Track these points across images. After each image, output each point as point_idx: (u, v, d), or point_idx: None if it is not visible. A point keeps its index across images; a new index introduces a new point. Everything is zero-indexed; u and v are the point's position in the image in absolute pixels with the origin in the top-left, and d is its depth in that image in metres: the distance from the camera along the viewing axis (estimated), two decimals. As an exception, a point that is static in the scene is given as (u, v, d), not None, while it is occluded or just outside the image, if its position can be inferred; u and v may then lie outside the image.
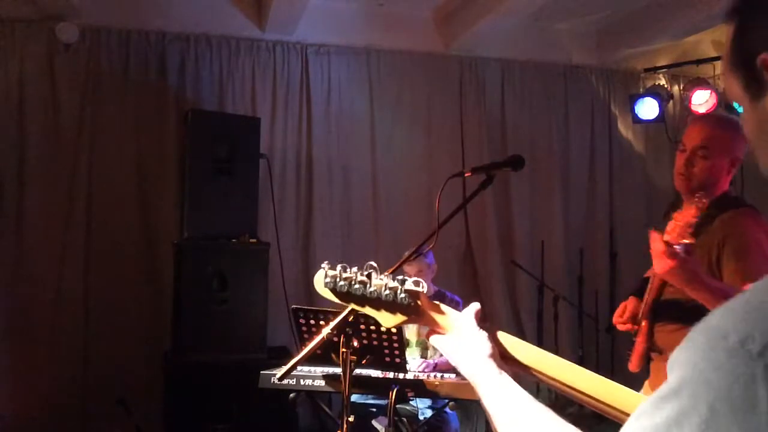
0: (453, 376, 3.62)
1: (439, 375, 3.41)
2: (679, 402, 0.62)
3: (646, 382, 2.45)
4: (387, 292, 1.17)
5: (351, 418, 2.32)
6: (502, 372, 1.10)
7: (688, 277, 1.95)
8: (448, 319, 1.19)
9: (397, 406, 3.56)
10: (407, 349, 3.72)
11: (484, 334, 1.15)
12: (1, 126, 4.69)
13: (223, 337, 4.27)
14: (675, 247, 1.91)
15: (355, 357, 2.28)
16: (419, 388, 3.20)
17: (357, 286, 1.18)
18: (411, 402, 3.82)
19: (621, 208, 6.07)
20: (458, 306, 4.11)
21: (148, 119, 4.97)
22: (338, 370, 2.34)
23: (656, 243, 1.95)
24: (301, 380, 3.28)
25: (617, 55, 5.93)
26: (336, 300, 1.21)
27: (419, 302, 1.18)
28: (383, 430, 3.55)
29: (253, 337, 4.38)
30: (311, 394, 3.57)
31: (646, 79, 6.07)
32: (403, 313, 1.19)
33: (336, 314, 1.98)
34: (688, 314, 1.92)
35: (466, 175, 2.19)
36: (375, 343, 3.13)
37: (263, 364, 3.68)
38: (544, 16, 5.55)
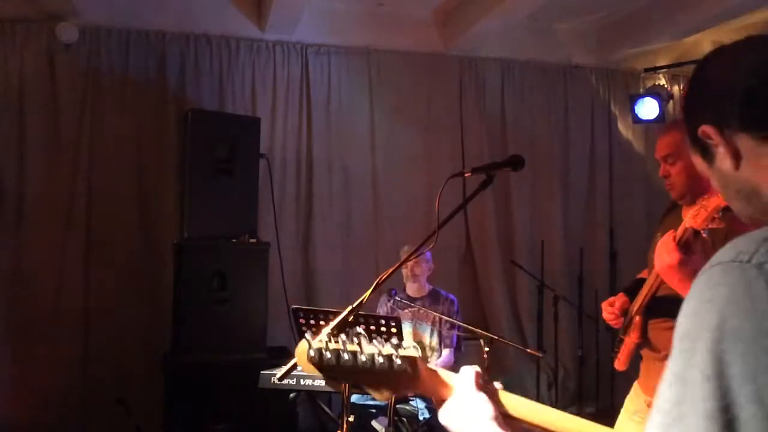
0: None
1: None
2: (691, 336, 0.68)
3: (636, 383, 2.45)
4: (380, 360, 1.03)
5: (351, 418, 2.32)
6: None
7: (686, 277, 1.94)
8: (446, 384, 1.10)
9: (397, 406, 3.56)
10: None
11: (483, 397, 1.08)
12: (1, 126, 4.69)
13: (223, 337, 4.26)
14: (702, 233, 1.92)
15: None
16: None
17: (346, 357, 1.04)
18: (411, 402, 3.82)
19: (621, 208, 6.07)
20: (453, 305, 4.12)
21: (148, 119, 4.97)
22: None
23: (667, 237, 1.96)
24: (301, 380, 3.29)
25: (617, 55, 5.93)
26: (322, 376, 1.07)
27: (417, 368, 1.05)
28: (383, 430, 3.55)
29: (253, 337, 4.38)
30: (311, 394, 3.58)
31: (646, 79, 6.07)
32: (398, 383, 1.06)
33: (336, 314, 1.98)
34: None
35: (466, 175, 2.19)
36: (375, 343, 3.13)
37: (263, 364, 3.68)
38: (544, 16, 5.55)
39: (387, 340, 1.05)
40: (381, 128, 5.52)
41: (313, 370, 1.07)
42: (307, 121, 5.35)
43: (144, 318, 4.85)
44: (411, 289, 4.26)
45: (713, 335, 0.65)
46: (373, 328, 3.13)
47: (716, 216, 1.86)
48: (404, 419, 3.69)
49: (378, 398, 1.09)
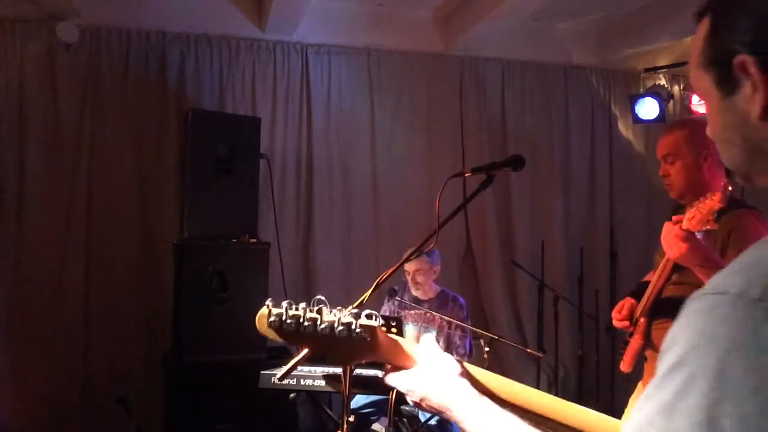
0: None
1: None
2: (686, 370, 0.62)
3: (640, 383, 2.45)
4: (340, 328, 1.06)
5: (351, 418, 2.32)
6: (478, 392, 1.05)
7: (702, 258, 1.98)
8: (407, 353, 1.12)
9: (398, 406, 3.56)
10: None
11: (450, 357, 1.11)
12: (1, 126, 4.69)
13: (223, 337, 4.26)
14: (696, 234, 1.95)
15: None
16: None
17: (306, 323, 1.06)
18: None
19: (621, 208, 6.07)
20: (462, 309, 4.07)
21: (148, 119, 4.97)
22: (338, 370, 2.33)
23: (668, 228, 1.99)
24: (301, 380, 3.28)
25: (617, 55, 5.93)
26: (281, 340, 1.10)
27: (377, 337, 1.07)
28: (383, 430, 3.55)
29: (253, 337, 4.31)
30: (311, 394, 3.58)
31: (647, 79, 6.07)
32: (358, 351, 1.09)
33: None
34: None
35: (466, 175, 2.20)
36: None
37: (263, 364, 3.67)
38: (544, 16, 5.55)
39: (350, 312, 1.08)
40: (381, 128, 5.52)
41: (274, 336, 1.09)
42: (307, 121, 5.35)
43: (144, 318, 4.85)
44: (416, 291, 4.21)
45: (711, 383, 0.59)
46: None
47: (710, 218, 1.89)
48: (404, 419, 3.69)
49: (336, 365, 1.12)
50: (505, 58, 5.82)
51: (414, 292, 4.18)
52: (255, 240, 4.53)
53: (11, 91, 4.71)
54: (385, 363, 1.13)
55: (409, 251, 2.29)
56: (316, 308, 1.08)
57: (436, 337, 4.06)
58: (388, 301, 4.16)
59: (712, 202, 1.88)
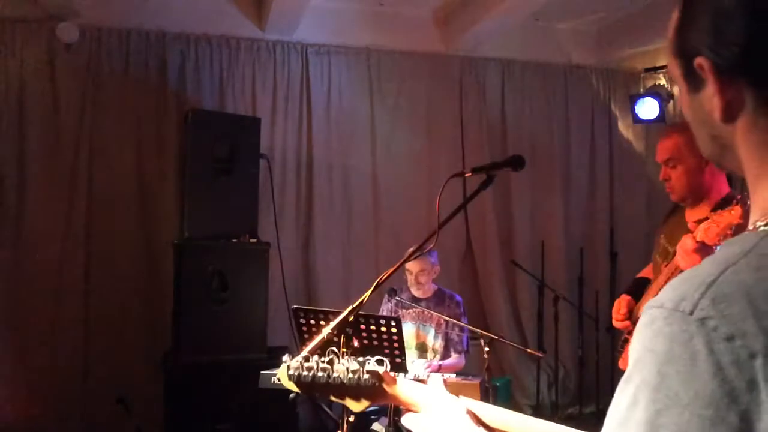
0: (454, 376, 3.62)
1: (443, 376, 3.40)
2: (634, 382, 0.65)
3: None
4: (350, 376, 1.19)
5: (351, 418, 2.32)
6: (482, 428, 1.13)
7: None
8: (414, 395, 1.19)
9: (397, 406, 3.56)
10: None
11: (453, 398, 1.17)
12: (1, 126, 4.69)
13: (223, 337, 4.26)
14: (713, 248, 1.92)
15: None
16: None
17: (320, 374, 1.20)
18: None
19: (621, 208, 6.07)
20: (459, 306, 4.09)
21: (148, 119, 4.97)
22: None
23: (688, 240, 1.97)
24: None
25: (617, 55, 5.93)
26: (302, 393, 1.23)
27: (383, 383, 1.19)
28: (383, 430, 3.55)
29: (253, 337, 4.38)
30: (311, 394, 3.57)
31: (647, 79, 6.06)
32: (368, 396, 1.20)
33: (336, 314, 1.98)
34: None
35: (466, 175, 2.19)
36: (375, 343, 3.13)
37: (263, 364, 3.67)
38: (544, 16, 5.56)
39: (357, 359, 1.19)
40: (381, 128, 5.52)
41: (295, 388, 1.23)
42: (307, 121, 5.35)
43: (144, 318, 4.85)
44: (415, 290, 4.22)
45: (652, 394, 0.62)
46: (373, 328, 3.13)
47: (729, 232, 1.86)
48: (404, 419, 3.68)
49: (353, 409, 1.22)
50: (505, 58, 5.82)
51: (414, 292, 4.18)
52: (255, 240, 4.53)
53: (11, 91, 4.71)
54: (396, 404, 1.22)
55: (410, 250, 2.29)
56: (327, 359, 1.21)
57: (434, 335, 4.07)
58: (388, 300, 4.16)
59: (731, 217, 1.84)
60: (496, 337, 3.44)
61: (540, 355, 4.37)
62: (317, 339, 2.00)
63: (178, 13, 5.06)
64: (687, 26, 0.76)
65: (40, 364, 4.61)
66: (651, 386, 0.63)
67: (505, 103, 5.84)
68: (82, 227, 4.81)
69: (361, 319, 3.04)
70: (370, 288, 1.93)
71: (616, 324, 2.45)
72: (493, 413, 1.17)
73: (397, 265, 2.07)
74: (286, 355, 1.23)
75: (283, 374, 1.23)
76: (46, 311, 4.69)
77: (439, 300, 4.10)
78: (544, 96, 5.93)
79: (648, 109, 5.53)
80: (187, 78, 5.05)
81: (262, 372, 3.31)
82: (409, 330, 4.01)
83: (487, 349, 3.35)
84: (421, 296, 4.15)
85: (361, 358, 1.19)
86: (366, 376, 1.18)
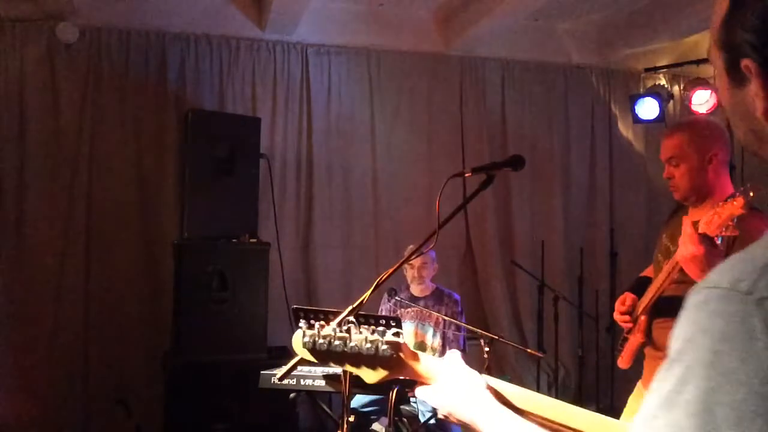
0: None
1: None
2: (683, 363, 0.65)
3: (639, 383, 2.45)
4: (368, 345, 1.14)
5: (351, 418, 2.32)
6: (500, 404, 1.10)
7: (710, 266, 1.96)
8: (432, 368, 1.17)
9: (398, 406, 3.56)
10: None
11: (474, 372, 1.15)
12: (1, 126, 4.69)
13: (223, 337, 4.26)
14: (716, 239, 1.91)
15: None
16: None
17: (337, 342, 1.15)
18: (411, 402, 3.82)
19: (621, 208, 6.07)
20: (456, 305, 4.11)
21: (148, 119, 4.97)
22: (338, 370, 2.34)
23: (689, 228, 1.96)
24: (301, 380, 3.29)
25: (617, 55, 5.92)
26: (315, 361, 1.19)
27: (401, 354, 1.15)
28: (383, 430, 3.55)
29: (253, 337, 4.38)
30: (311, 394, 3.58)
31: (647, 79, 6.07)
32: (385, 367, 1.16)
33: (336, 314, 1.98)
34: None
35: (466, 175, 2.19)
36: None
37: (263, 364, 3.68)
38: (544, 16, 5.55)
39: (376, 330, 1.16)
40: (381, 128, 5.52)
41: (309, 356, 1.18)
42: (307, 121, 5.35)
43: (144, 318, 4.85)
44: (414, 288, 4.24)
45: (705, 372, 0.62)
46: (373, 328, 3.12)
47: (731, 223, 1.85)
48: (404, 419, 3.69)
49: (367, 380, 1.18)
50: (505, 58, 5.82)
51: (414, 288, 4.21)
52: (255, 240, 4.53)
53: (11, 91, 4.71)
54: (412, 378, 1.18)
55: (410, 248, 2.29)
56: (345, 327, 1.16)
57: (433, 334, 4.09)
58: (388, 300, 4.17)
59: (734, 207, 1.82)
60: (496, 337, 3.44)
61: (540, 355, 4.37)
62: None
63: (178, 13, 5.06)
64: (735, 22, 0.77)
65: (40, 364, 4.61)
66: (704, 364, 0.63)
67: (505, 103, 5.83)
68: (82, 227, 4.80)
69: (362, 319, 3.04)
70: (370, 288, 1.93)
71: (616, 317, 2.44)
72: (516, 392, 1.14)
73: (398, 264, 2.07)
74: (302, 322, 1.19)
75: (297, 342, 1.18)
76: (46, 310, 4.69)
77: (437, 299, 4.12)
78: (544, 96, 5.92)
79: (648, 109, 5.53)
80: (187, 78, 5.05)
81: (262, 372, 3.32)
82: (408, 329, 4.02)
83: (487, 349, 3.35)
84: (419, 295, 4.17)
85: (381, 328, 1.16)
86: (384, 346, 1.14)
